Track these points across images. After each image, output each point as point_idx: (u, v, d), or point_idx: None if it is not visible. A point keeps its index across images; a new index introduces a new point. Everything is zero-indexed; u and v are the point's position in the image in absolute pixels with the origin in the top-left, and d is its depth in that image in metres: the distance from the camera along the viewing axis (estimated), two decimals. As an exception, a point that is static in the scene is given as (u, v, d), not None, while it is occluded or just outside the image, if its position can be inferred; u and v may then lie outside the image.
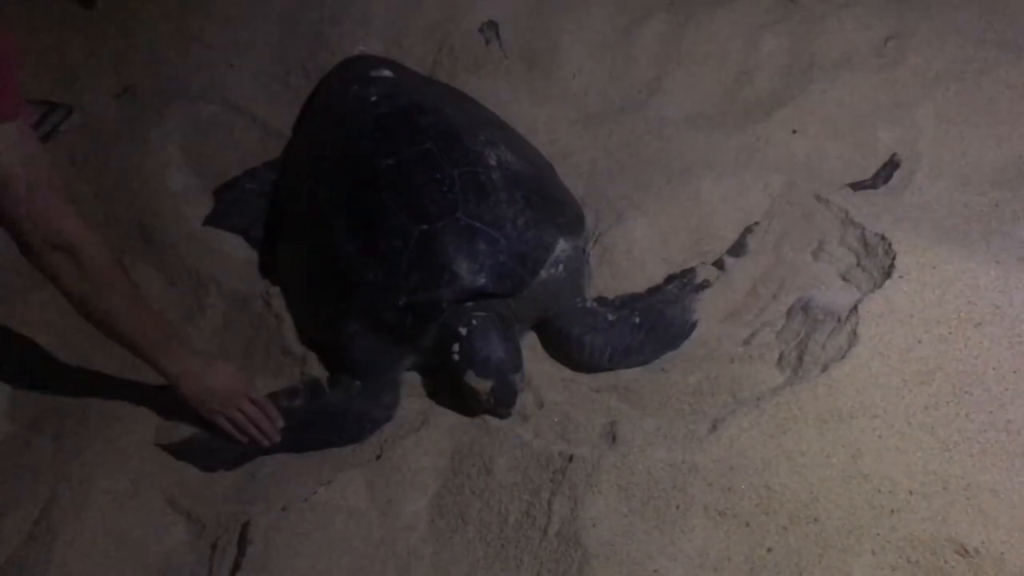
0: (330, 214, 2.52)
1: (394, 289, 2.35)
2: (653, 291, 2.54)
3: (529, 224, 2.44)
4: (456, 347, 2.31)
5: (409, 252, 2.35)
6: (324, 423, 2.35)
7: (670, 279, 2.55)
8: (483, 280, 2.34)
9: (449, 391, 2.38)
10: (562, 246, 2.47)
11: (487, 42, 3.17)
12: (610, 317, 2.45)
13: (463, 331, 2.31)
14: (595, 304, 2.50)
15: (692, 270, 2.55)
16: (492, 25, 3.17)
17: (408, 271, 2.35)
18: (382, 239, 2.39)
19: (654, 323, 2.43)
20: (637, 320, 2.44)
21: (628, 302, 2.51)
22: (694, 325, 2.43)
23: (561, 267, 2.45)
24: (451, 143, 2.54)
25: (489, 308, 2.36)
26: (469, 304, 2.35)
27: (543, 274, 2.42)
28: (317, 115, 2.98)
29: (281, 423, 2.33)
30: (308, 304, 2.55)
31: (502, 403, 2.27)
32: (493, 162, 2.53)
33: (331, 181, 2.59)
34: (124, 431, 2.31)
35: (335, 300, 2.44)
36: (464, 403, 2.32)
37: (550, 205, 2.56)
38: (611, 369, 2.39)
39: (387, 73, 2.90)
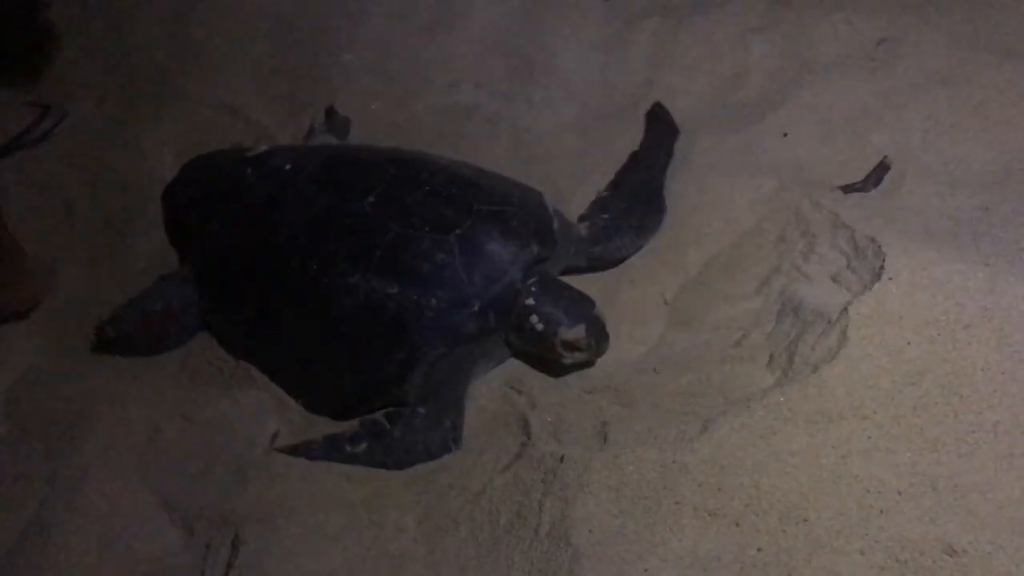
0: (330, 280, 2.36)
1: (465, 299, 2.32)
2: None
3: (520, 192, 2.56)
4: (534, 317, 2.35)
5: (458, 259, 2.33)
6: (394, 460, 2.25)
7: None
8: (536, 248, 2.42)
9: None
10: (549, 201, 2.59)
11: None
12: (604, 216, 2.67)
13: (531, 301, 2.36)
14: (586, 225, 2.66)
15: None
16: None
17: (468, 275, 2.33)
18: (421, 262, 2.32)
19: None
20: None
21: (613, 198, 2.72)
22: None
23: (559, 219, 2.56)
24: (406, 163, 2.54)
25: (537, 272, 2.42)
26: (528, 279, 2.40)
27: (556, 226, 2.52)
28: (223, 212, 2.60)
29: None
30: (352, 373, 2.37)
31: (601, 340, 2.36)
32: (446, 163, 2.60)
33: (305, 254, 2.40)
34: (118, 433, 2.32)
35: (396, 347, 2.31)
36: (559, 366, 2.39)
37: (509, 177, 2.68)
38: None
39: (265, 147, 2.74)
